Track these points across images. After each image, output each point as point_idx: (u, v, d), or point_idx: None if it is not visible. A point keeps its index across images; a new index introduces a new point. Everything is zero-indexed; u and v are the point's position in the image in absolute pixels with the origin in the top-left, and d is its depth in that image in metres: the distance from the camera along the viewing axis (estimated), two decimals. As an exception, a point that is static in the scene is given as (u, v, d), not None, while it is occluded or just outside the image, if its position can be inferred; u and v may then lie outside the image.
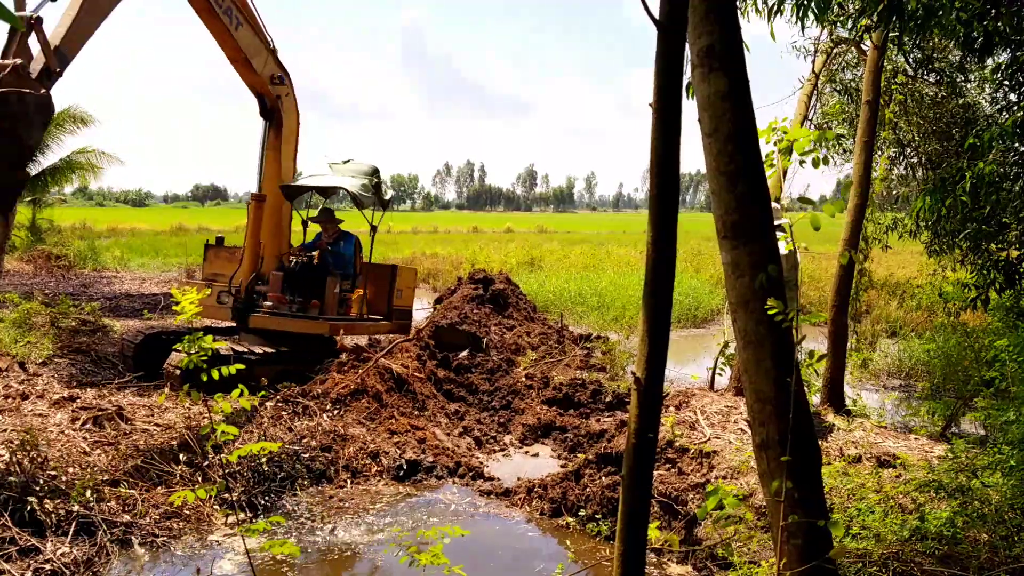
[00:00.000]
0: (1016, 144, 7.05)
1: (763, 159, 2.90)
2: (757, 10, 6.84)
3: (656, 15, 2.44)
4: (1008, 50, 6.59)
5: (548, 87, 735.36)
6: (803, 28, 6.82)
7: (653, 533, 3.73)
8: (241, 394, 3.57)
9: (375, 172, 11.14)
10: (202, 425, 7.63)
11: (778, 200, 10.65)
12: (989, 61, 7.52)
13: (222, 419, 5.48)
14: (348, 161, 11.35)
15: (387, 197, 11.60)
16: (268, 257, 10.92)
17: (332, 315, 10.53)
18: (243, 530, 3.41)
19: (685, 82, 2.73)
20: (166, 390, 9.24)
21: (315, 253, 11.17)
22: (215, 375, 3.44)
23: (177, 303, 3.50)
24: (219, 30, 10.02)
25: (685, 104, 2.67)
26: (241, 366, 3.54)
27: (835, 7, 7.21)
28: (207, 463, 6.91)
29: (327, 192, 11.34)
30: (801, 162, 3.09)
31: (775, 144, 2.95)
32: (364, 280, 11.32)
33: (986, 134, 6.04)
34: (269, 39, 10.73)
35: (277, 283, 10.71)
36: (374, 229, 11.41)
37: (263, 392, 8.67)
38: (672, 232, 2.47)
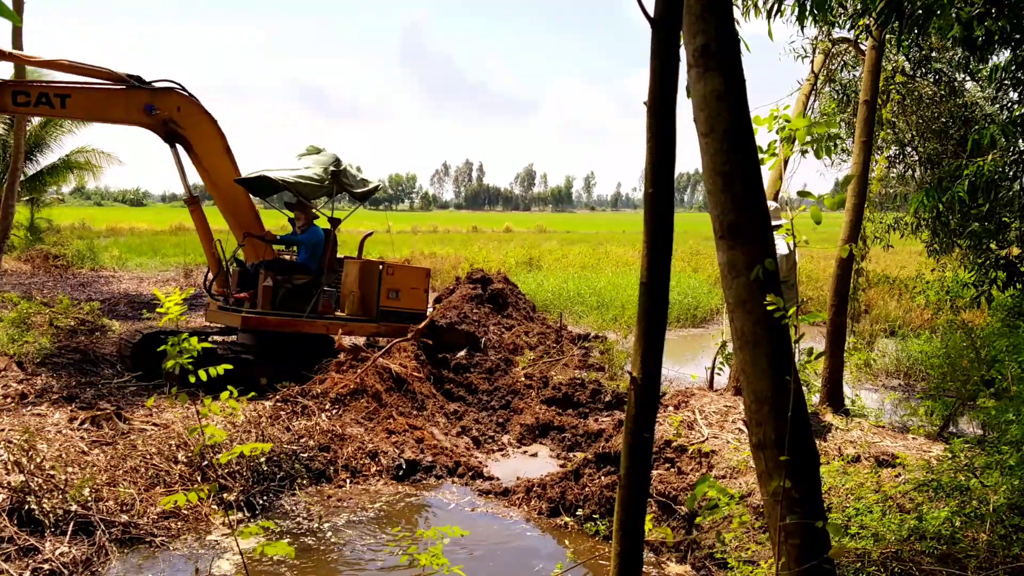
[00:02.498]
0: (1017, 142, 7.05)
1: (760, 156, 2.90)
2: (756, 9, 6.83)
3: (651, 13, 2.44)
4: (1008, 49, 6.59)
5: (548, 87, 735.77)
6: (803, 27, 6.81)
7: (647, 526, 3.74)
8: (231, 395, 3.57)
9: (334, 162, 10.66)
10: (190, 428, 7.63)
11: (776, 199, 10.65)
12: (990, 60, 7.52)
13: (212, 421, 5.48)
14: (320, 151, 10.97)
15: (361, 189, 11.09)
16: (248, 253, 10.81)
17: (264, 309, 10.19)
18: (239, 533, 3.41)
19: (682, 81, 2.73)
20: (167, 391, 9.24)
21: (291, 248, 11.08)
22: (213, 373, 3.44)
23: (160, 304, 3.51)
24: (45, 115, 9.52)
25: (681, 103, 2.67)
26: (229, 366, 3.53)
27: (835, 6, 7.21)
28: (205, 463, 6.91)
29: (269, 184, 10.79)
30: (803, 151, 3.10)
31: (776, 132, 2.92)
32: (331, 276, 11.00)
33: (987, 131, 6.05)
34: (117, 76, 9.68)
35: (233, 279, 10.71)
36: (334, 223, 10.97)
37: (252, 394, 8.66)
38: (668, 231, 2.48)
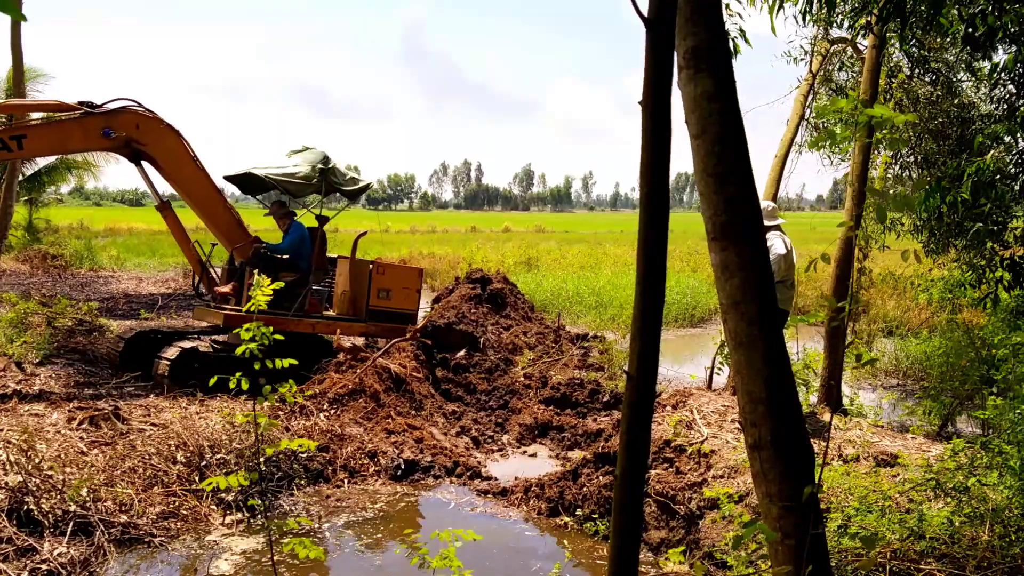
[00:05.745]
0: (1018, 141, 7.05)
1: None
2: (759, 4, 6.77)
3: (645, 13, 2.44)
4: (1011, 46, 6.57)
5: (547, 87, 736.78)
6: (805, 22, 6.76)
7: (676, 558, 3.78)
8: (273, 390, 3.63)
9: (322, 159, 10.56)
10: (246, 414, 7.65)
11: (775, 199, 10.65)
12: (992, 58, 7.51)
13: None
14: (308, 149, 10.87)
15: (351, 187, 10.95)
16: (237, 252, 10.70)
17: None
18: (263, 525, 3.49)
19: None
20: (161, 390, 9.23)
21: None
22: (279, 364, 3.47)
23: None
24: (5, 159, 9.29)
25: (676, 104, 2.67)
26: (294, 360, 3.58)
27: (838, 3, 7.17)
28: (204, 463, 6.91)
29: (259, 182, 10.70)
30: (819, 147, 2.98)
31: (856, 118, 2.65)
32: (319, 274, 10.87)
33: (994, 129, 6.05)
34: (68, 106, 9.53)
35: (223, 276, 10.69)
36: (322, 220, 10.80)
37: (309, 392, 8.75)
38: (663, 230, 2.47)
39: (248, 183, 10.89)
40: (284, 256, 10.64)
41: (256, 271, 10.26)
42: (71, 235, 31.05)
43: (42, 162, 25.68)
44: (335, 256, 11.73)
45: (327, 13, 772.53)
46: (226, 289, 10.41)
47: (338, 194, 11.23)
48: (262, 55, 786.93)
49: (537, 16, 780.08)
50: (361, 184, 11.20)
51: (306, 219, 11.30)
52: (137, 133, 9.72)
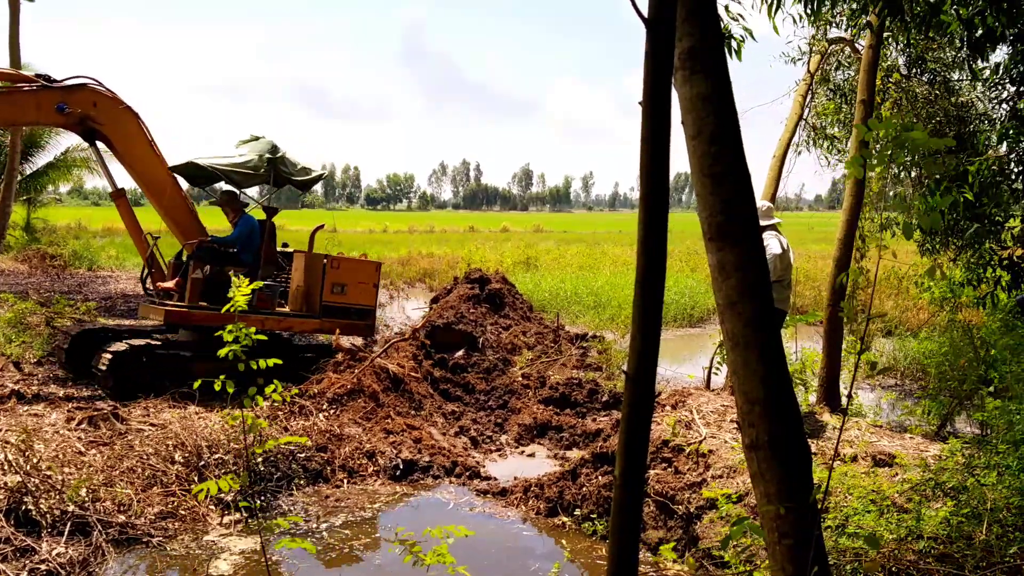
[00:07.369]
0: (1019, 141, 7.04)
1: (746, 159, 2.88)
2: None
3: (645, 14, 2.44)
4: (1008, 45, 6.58)
5: (547, 87, 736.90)
6: (810, 19, 6.75)
7: (669, 555, 3.79)
8: (275, 390, 3.62)
9: (271, 149, 10.17)
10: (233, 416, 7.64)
11: (773, 199, 10.66)
12: (989, 58, 7.53)
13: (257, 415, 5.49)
14: (258, 138, 10.54)
15: (302, 177, 10.54)
16: (186, 245, 10.35)
17: (192, 302, 9.61)
18: (257, 526, 3.49)
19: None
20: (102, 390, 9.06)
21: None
22: (263, 364, 3.45)
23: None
24: None
25: (676, 104, 2.67)
26: (278, 360, 3.54)
27: (834, 3, 7.18)
28: (203, 463, 6.90)
29: (204, 172, 10.26)
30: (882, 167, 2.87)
31: (889, 140, 2.53)
32: (268, 268, 10.48)
33: (999, 129, 6.06)
34: (25, 77, 9.44)
35: (170, 271, 10.38)
36: (270, 212, 10.40)
37: (296, 390, 8.67)
38: (662, 230, 2.48)
39: (189, 173, 10.44)
40: (232, 249, 10.23)
41: (201, 265, 9.89)
42: (69, 235, 31.00)
43: (41, 160, 25.67)
44: (292, 250, 11.31)
45: (327, 13, 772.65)
46: (169, 284, 10.02)
47: (289, 185, 10.82)
48: (262, 55, 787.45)
49: (537, 16, 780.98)
50: (314, 175, 10.84)
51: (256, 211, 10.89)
52: (93, 111, 9.46)
